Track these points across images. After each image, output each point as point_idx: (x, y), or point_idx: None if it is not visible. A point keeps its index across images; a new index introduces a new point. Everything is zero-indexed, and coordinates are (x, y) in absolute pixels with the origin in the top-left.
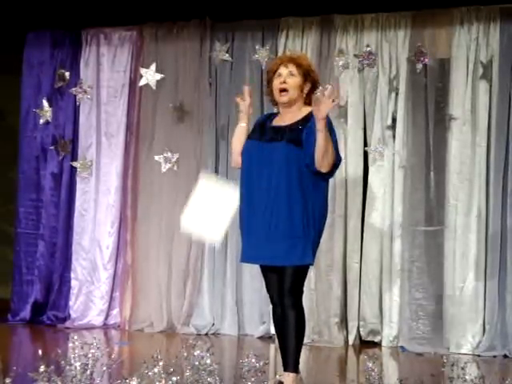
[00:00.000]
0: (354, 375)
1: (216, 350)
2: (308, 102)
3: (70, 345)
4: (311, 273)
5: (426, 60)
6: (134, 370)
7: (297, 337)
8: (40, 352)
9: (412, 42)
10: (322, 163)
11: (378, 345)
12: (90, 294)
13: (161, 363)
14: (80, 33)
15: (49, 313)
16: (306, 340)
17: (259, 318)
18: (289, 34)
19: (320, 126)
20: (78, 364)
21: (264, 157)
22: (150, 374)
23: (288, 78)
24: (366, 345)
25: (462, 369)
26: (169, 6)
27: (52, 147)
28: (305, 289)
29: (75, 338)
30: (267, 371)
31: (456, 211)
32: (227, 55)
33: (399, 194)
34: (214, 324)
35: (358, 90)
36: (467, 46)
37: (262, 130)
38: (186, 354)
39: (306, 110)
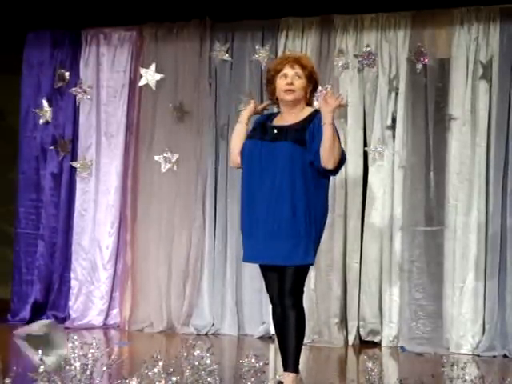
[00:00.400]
0: (354, 375)
1: (216, 350)
2: (309, 102)
3: (70, 345)
4: (311, 273)
5: (426, 60)
6: (134, 369)
7: (297, 337)
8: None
9: (412, 41)
10: (328, 158)
11: (377, 345)
12: (89, 294)
13: (161, 363)
14: (80, 33)
15: (48, 313)
16: (306, 340)
17: (259, 317)
18: (289, 34)
19: (328, 120)
20: (77, 364)
21: (266, 156)
22: (149, 373)
23: (294, 79)
24: (366, 345)
25: (462, 369)
26: (169, 6)
27: (52, 147)
28: (305, 289)
29: (75, 338)
30: (267, 371)
31: (456, 211)
32: (227, 55)
33: (399, 194)
34: (213, 324)
35: (358, 89)
36: (467, 46)
37: (263, 130)
38: (185, 354)
39: (308, 111)
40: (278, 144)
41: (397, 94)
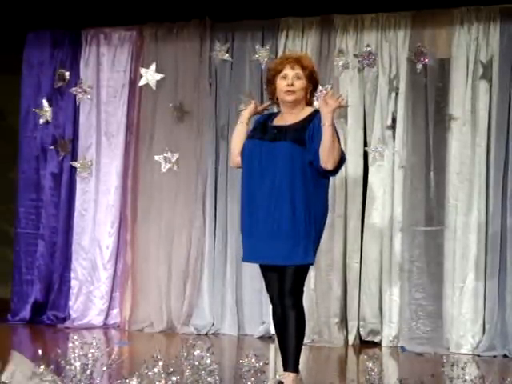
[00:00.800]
0: (354, 375)
1: (216, 350)
2: (309, 102)
3: (70, 345)
4: (311, 273)
5: (426, 60)
6: (134, 369)
7: (297, 337)
8: (40, 352)
9: (412, 41)
10: (327, 159)
11: (377, 345)
12: (89, 293)
13: (161, 363)
14: (80, 33)
15: (49, 313)
16: (306, 340)
17: (259, 317)
18: (289, 34)
19: (328, 121)
20: (77, 364)
21: (266, 156)
22: (149, 373)
23: (295, 80)
24: (366, 345)
25: (462, 369)
26: (169, 6)
27: (52, 147)
28: (305, 289)
29: (75, 337)
30: (267, 371)
31: (456, 211)
32: (227, 55)
33: (399, 194)
34: (213, 324)
35: (358, 89)
36: (467, 46)
37: (264, 130)
38: (185, 354)
39: (308, 111)
40: (277, 144)
41: (397, 93)
